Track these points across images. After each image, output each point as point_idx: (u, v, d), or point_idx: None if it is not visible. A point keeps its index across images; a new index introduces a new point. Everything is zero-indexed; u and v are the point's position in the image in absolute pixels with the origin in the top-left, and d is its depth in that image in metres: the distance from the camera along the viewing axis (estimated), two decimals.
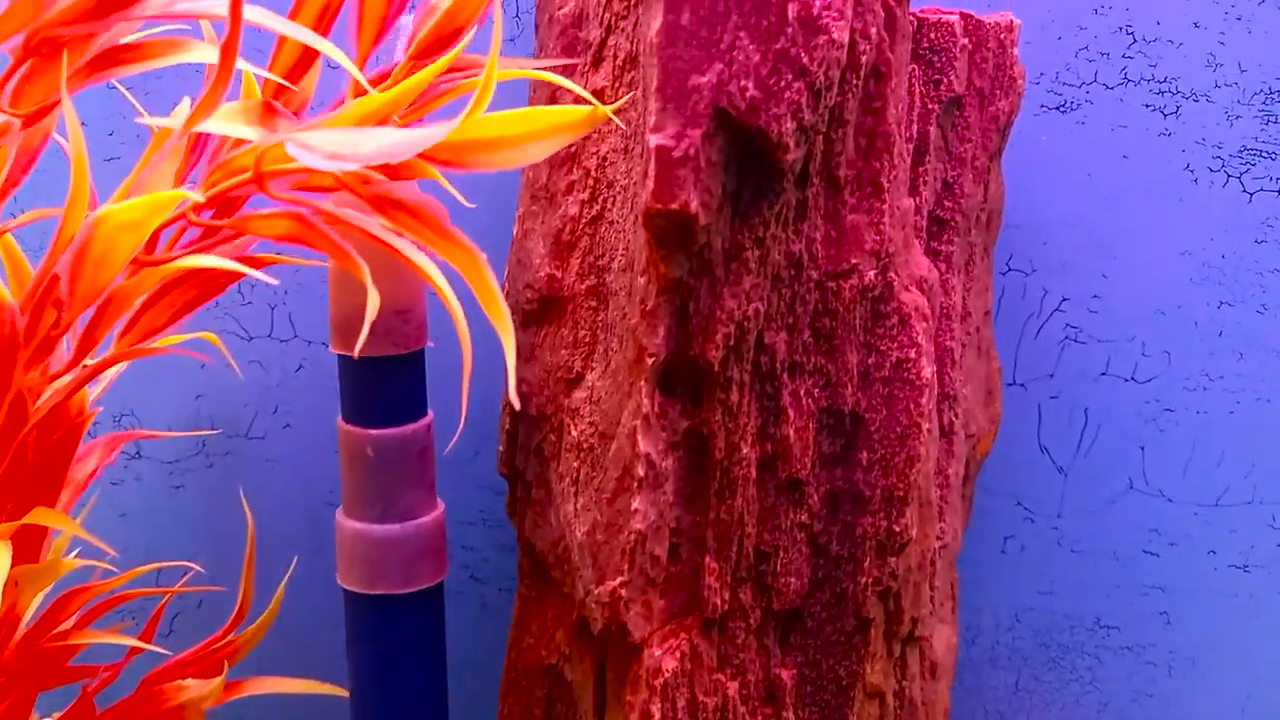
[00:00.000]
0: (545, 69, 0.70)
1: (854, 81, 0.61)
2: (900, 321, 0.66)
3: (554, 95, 0.70)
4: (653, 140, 0.58)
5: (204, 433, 0.87)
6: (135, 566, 0.72)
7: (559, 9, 0.70)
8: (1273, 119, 0.82)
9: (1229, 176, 0.83)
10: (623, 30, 0.65)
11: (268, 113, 0.59)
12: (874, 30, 0.61)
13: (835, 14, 0.57)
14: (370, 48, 0.66)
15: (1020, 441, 0.88)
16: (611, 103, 0.67)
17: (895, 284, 0.65)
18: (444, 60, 0.58)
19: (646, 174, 0.59)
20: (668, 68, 0.58)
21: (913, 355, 0.66)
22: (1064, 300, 0.86)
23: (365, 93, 0.65)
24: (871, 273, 0.65)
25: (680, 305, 0.63)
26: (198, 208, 0.57)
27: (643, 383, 0.64)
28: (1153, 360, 0.86)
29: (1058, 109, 0.83)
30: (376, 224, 0.57)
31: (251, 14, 0.56)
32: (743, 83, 0.58)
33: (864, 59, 0.61)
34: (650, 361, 0.63)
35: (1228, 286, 0.85)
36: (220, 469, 0.90)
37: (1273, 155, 0.82)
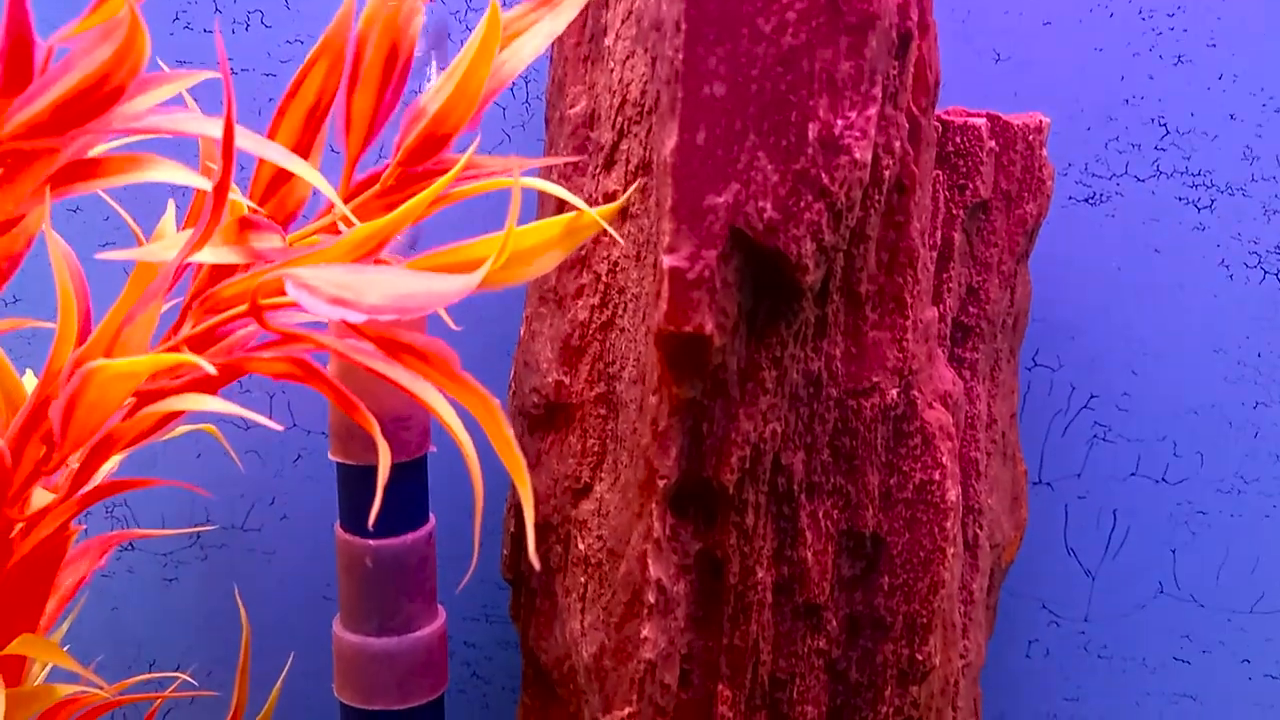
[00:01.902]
0: (555, 168, 0.68)
1: (876, 197, 0.58)
2: (924, 441, 0.62)
3: (561, 202, 0.68)
4: (666, 261, 0.56)
5: (200, 528, 0.85)
6: (126, 661, 0.70)
7: (570, 107, 0.68)
8: None
9: (1266, 273, 0.80)
10: (635, 135, 0.63)
11: (252, 230, 0.57)
12: (898, 144, 0.58)
13: (858, 133, 0.54)
14: (360, 150, 0.64)
15: (1046, 543, 0.84)
16: (622, 209, 0.64)
17: (919, 402, 0.62)
18: (440, 182, 0.55)
19: (659, 295, 0.56)
20: (682, 187, 0.55)
21: (937, 477, 0.62)
22: (1092, 397, 0.83)
23: (359, 191, 0.62)
24: (894, 391, 0.62)
25: (693, 426, 0.60)
26: (192, 345, 0.55)
27: (654, 505, 0.61)
28: (1185, 461, 0.83)
29: (1087, 201, 0.80)
30: (387, 364, 0.55)
31: (209, 128, 0.54)
32: (760, 203, 0.55)
33: (887, 174, 0.58)
34: (662, 484, 0.60)
35: (1264, 386, 0.81)
36: (215, 561, 0.87)
37: None
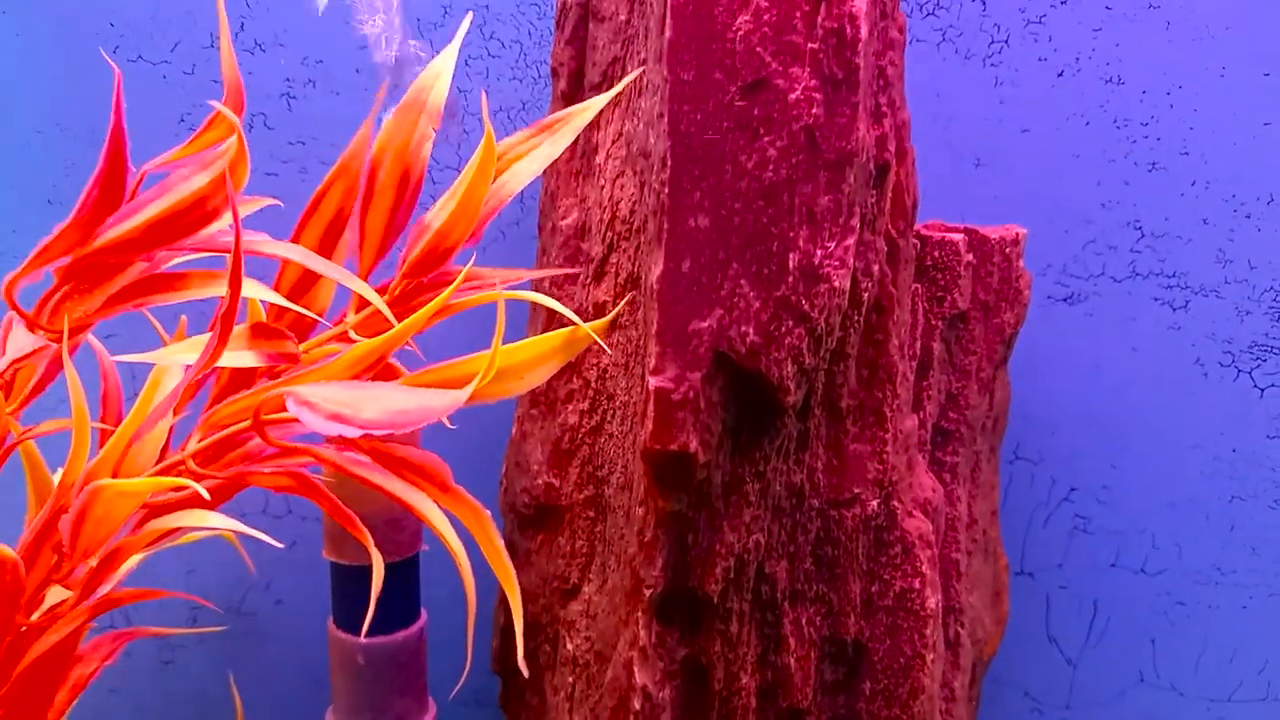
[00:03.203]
0: (546, 279, 0.70)
1: (856, 317, 0.60)
2: (904, 550, 0.64)
3: (553, 311, 0.70)
4: (652, 382, 0.57)
5: (202, 630, 0.86)
6: None
7: (562, 219, 0.70)
8: None
9: (1239, 371, 0.82)
10: (624, 250, 0.65)
11: (265, 337, 0.59)
12: (876, 268, 0.60)
13: (837, 263, 0.56)
14: (373, 264, 0.66)
15: (1029, 632, 0.86)
16: (612, 321, 0.66)
17: (899, 511, 0.64)
18: (438, 300, 0.58)
19: (646, 414, 0.58)
20: (668, 313, 0.57)
21: (917, 585, 0.64)
22: (1072, 490, 0.85)
23: (368, 302, 0.64)
24: (874, 502, 0.63)
25: (679, 537, 0.61)
26: (198, 459, 0.57)
27: (640, 613, 0.62)
28: (1163, 553, 0.84)
29: (1066, 300, 0.83)
30: (383, 476, 0.57)
31: (284, 250, 0.57)
32: (743, 328, 0.57)
33: (866, 295, 0.60)
34: (648, 593, 0.62)
35: (1239, 481, 0.83)
36: (211, 644, 0.89)
37: None
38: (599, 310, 0.67)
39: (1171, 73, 0.79)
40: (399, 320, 0.64)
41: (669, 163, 0.56)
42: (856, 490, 0.63)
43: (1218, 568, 0.84)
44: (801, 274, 0.56)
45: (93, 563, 0.57)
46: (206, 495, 0.52)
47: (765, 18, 0.54)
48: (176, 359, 0.58)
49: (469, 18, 0.67)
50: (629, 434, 0.65)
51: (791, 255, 0.56)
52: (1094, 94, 0.80)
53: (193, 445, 0.58)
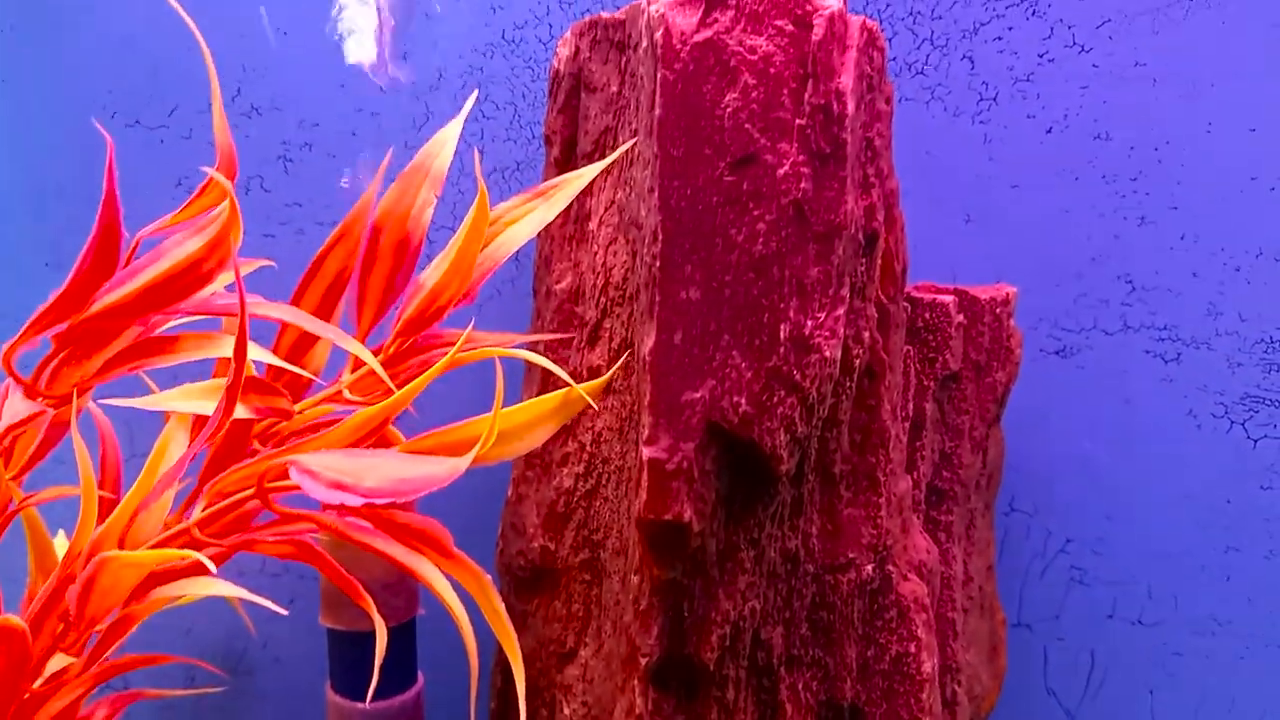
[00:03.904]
0: (541, 342, 0.70)
1: (848, 384, 0.61)
2: (899, 614, 0.64)
3: (548, 374, 0.70)
4: (646, 452, 0.58)
5: (201, 691, 0.86)
6: None
7: (556, 283, 0.70)
8: (1275, 367, 0.81)
9: (1232, 423, 0.82)
10: (618, 316, 0.65)
11: (259, 394, 0.60)
12: (867, 335, 0.61)
13: (827, 333, 0.57)
14: (370, 326, 0.67)
15: (1027, 684, 0.86)
16: (607, 384, 0.67)
17: (894, 575, 0.64)
18: (438, 366, 0.58)
19: (640, 484, 0.58)
20: (660, 384, 0.57)
21: (912, 649, 0.64)
22: (1068, 542, 0.85)
23: (364, 363, 0.65)
24: (869, 566, 0.63)
25: (674, 605, 0.62)
26: (203, 526, 0.57)
27: (636, 681, 0.62)
28: (1160, 604, 0.85)
29: (1058, 354, 0.83)
30: (384, 541, 0.57)
31: (277, 312, 0.58)
32: (735, 398, 0.57)
33: (858, 362, 0.61)
34: (644, 661, 0.62)
35: (1234, 531, 0.83)
36: (209, 704, 0.88)
37: (1276, 403, 0.81)
38: (593, 374, 0.67)
39: (1159, 128, 0.80)
40: (393, 381, 0.65)
41: (660, 236, 0.56)
42: (851, 555, 0.63)
43: (1214, 618, 0.84)
44: (793, 344, 0.57)
45: (99, 630, 0.58)
46: (214, 569, 0.52)
47: (753, 95, 0.55)
48: (173, 406, 0.59)
49: (474, 96, 0.68)
50: (624, 499, 0.65)
51: (782, 326, 0.57)
52: (1082, 150, 0.81)
53: (197, 513, 0.59)
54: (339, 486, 0.54)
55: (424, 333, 0.66)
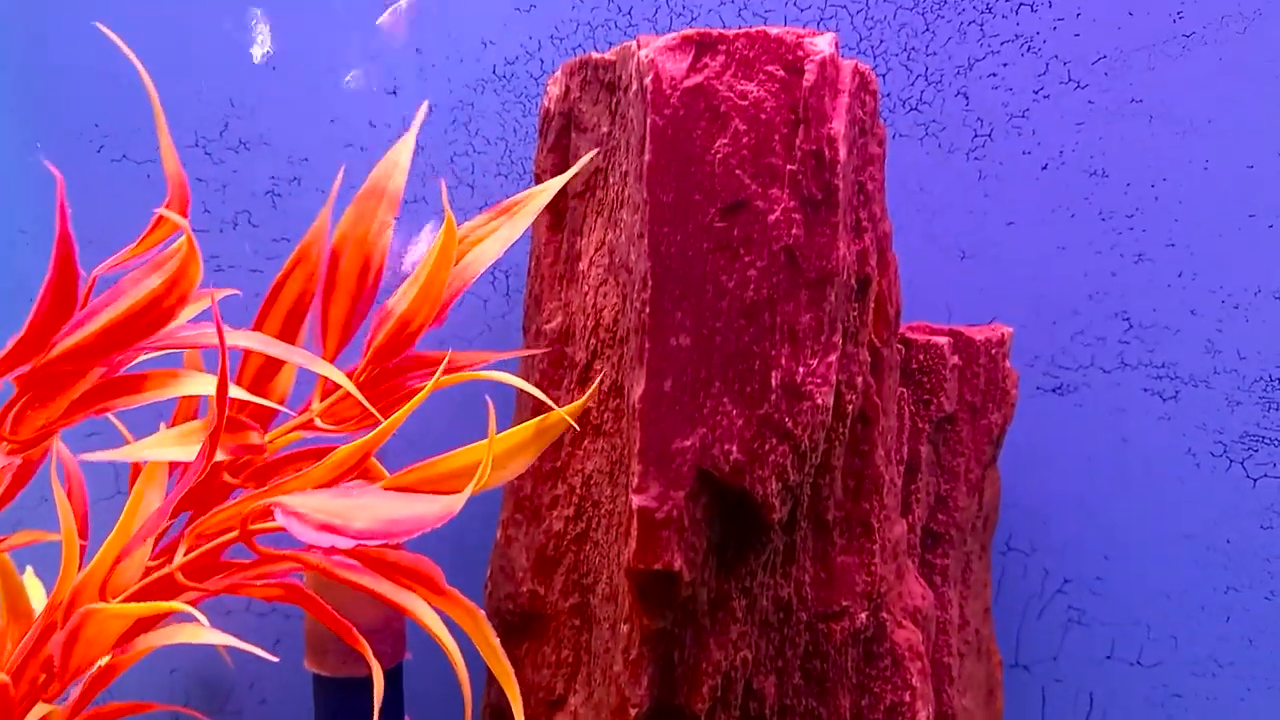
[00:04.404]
0: (533, 379, 0.70)
1: (841, 429, 0.60)
2: (894, 663, 0.63)
3: (537, 406, 0.69)
4: (635, 501, 0.57)
5: (181, 708, 0.85)
6: None
7: (546, 322, 0.69)
8: (1274, 405, 0.80)
9: (1231, 461, 0.81)
10: (608, 358, 0.64)
11: (232, 430, 0.59)
12: (860, 380, 0.60)
13: (819, 380, 0.56)
14: (336, 352, 0.66)
15: None
16: (596, 425, 0.66)
17: (888, 623, 0.63)
18: (420, 396, 0.57)
19: (630, 532, 0.57)
20: (650, 432, 0.56)
21: (907, 698, 0.63)
22: (1066, 582, 0.84)
23: (334, 389, 0.64)
24: (863, 615, 0.62)
25: (664, 655, 0.60)
26: (186, 570, 0.56)
27: None
28: (1159, 644, 0.83)
29: (1055, 391, 0.82)
30: (374, 579, 0.56)
31: (243, 340, 0.57)
32: (726, 446, 0.56)
33: (850, 408, 0.60)
34: (634, 712, 0.60)
35: (1234, 571, 0.82)
36: None
37: (1275, 442, 0.81)
38: (583, 416, 0.66)
39: (1155, 166, 0.79)
40: (358, 413, 0.63)
41: (650, 283, 0.55)
42: (845, 603, 0.62)
43: (1214, 659, 0.83)
44: (784, 392, 0.56)
45: (84, 680, 0.56)
46: (204, 620, 0.52)
47: (744, 140, 0.54)
48: (152, 455, 0.58)
49: (424, 107, 0.67)
50: (614, 544, 0.64)
51: (774, 373, 0.56)
52: (1078, 187, 0.80)
53: (179, 558, 0.58)
54: (328, 529, 0.53)
55: (396, 359, 0.66)
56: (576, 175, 0.67)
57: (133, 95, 0.82)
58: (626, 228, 0.60)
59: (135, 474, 0.63)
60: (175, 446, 0.57)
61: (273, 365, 0.67)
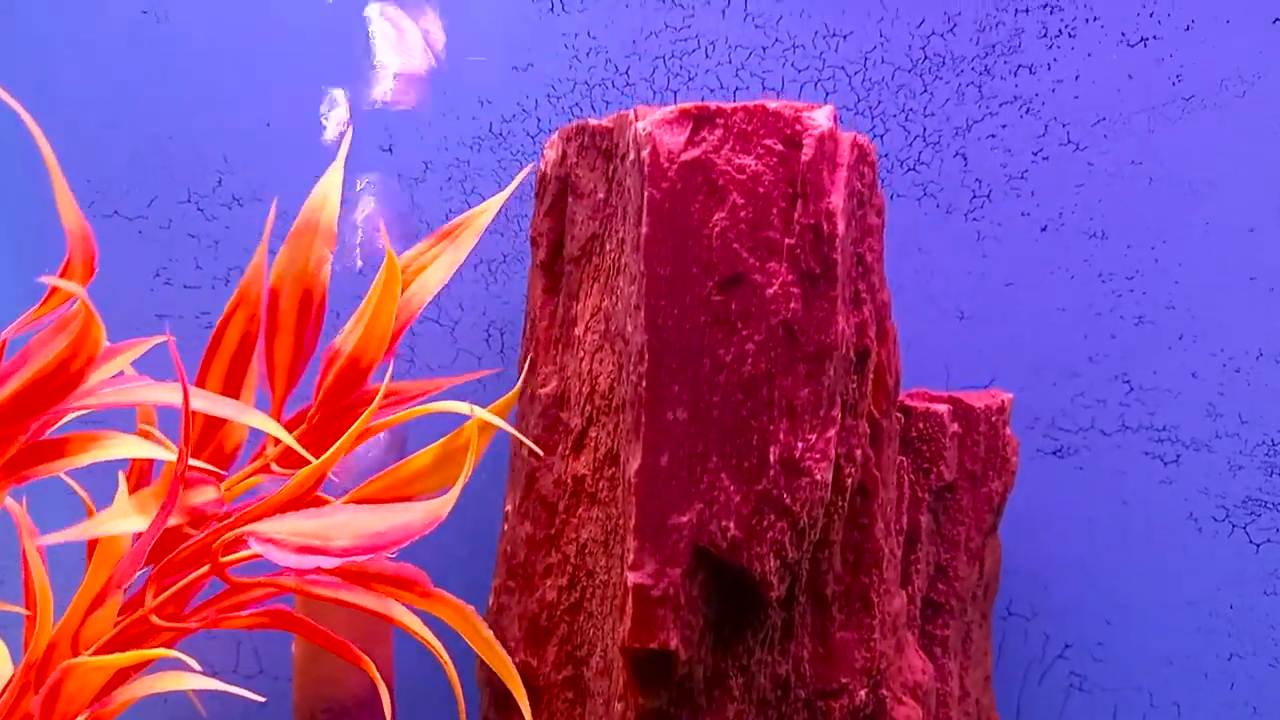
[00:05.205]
0: (525, 445, 0.68)
1: (840, 503, 0.59)
2: None
3: (532, 471, 0.68)
4: (631, 578, 0.56)
5: None
6: None
7: (541, 387, 0.68)
8: (1276, 470, 0.79)
9: (1234, 526, 0.80)
10: (603, 425, 0.63)
11: (185, 487, 0.57)
12: (859, 452, 0.59)
13: (818, 455, 0.55)
14: (286, 392, 0.65)
15: None
16: (591, 493, 0.64)
17: (887, 700, 0.62)
18: (361, 421, 0.56)
19: (625, 610, 0.56)
20: (646, 507, 0.55)
21: None
22: (1067, 647, 0.82)
23: (289, 430, 0.63)
24: (863, 691, 0.61)
25: None
26: (160, 611, 0.55)
27: None
28: (1161, 711, 0.82)
29: (1055, 454, 0.81)
30: (350, 592, 0.55)
31: (167, 395, 0.55)
32: (724, 522, 0.55)
33: (850, 481, 0.59)
34: None
35: (1237, 638, 0.81)
36: None
37: (1278, 507, 0.80)
38: (578, 483, 0.65)
39: (1155, 227, 0.79)
40: (314, 452, 0.62)
41: (647, 356, 0.55)
42: (844, 680, 0.61)
43: None
44: (783, 467, 0.55)
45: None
46: (196, 666, 0.50)
47: (741, 214, 0.53)
48: (104, 530, 0.56)
49: (348, 135, 0.67)
50: (609, 616, 0.62)
51: (772, 448, 0.55)
52: (1078, 248, 0.79)
53: (150, 599, 0.56)
54: (308, 550, 0.52)
55: (350, 397, 0.65)
56: (574, 240, 0.66)
57: (124, 152, 0.81)
58: (623, 296, 0.59)
59: (92, 546, 0.61)
60: (135, 516, 0.56)
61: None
